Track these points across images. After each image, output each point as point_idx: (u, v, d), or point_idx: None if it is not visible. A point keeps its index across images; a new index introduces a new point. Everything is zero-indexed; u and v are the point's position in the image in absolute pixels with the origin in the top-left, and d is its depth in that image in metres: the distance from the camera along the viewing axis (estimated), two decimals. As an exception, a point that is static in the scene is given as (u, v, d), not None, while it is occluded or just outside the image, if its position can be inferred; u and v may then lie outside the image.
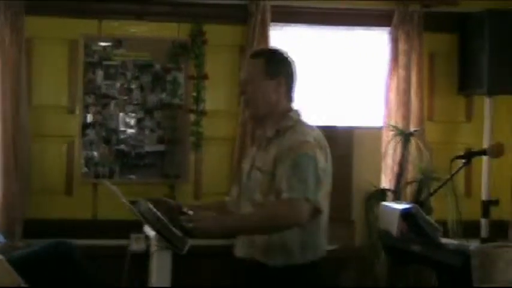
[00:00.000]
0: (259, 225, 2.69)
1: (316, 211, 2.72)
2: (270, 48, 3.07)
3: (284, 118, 2.86)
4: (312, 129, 2.85)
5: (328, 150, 2.85)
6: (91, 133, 4.87)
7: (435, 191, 3.85)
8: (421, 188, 4.78)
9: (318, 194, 2.71)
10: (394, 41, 5.08)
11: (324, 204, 2.80)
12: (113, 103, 4.90)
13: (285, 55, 2.94)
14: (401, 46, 5.06)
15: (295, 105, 2.93)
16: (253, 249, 2.81)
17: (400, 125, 5.01)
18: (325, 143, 2.85)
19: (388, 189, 4.94)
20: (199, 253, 4.21)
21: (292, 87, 2.93)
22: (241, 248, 2.89)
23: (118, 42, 4.90)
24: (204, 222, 2.70)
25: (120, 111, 4.90)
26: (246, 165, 2.98)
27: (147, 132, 4.93)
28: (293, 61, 2.95)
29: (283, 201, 2.67)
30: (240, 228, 2.75)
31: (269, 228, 2.70)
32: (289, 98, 2.91)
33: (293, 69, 2.94)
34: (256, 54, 2.96)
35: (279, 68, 2.88)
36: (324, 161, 2.78)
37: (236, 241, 2.93)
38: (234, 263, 2.95)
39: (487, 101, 4.97)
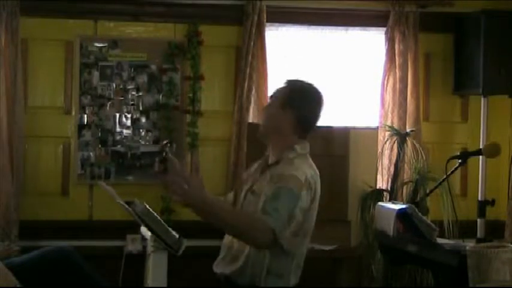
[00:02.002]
0: (230, 222, 2.71)
1: (275, 244, 2.74)
2: (303, 81, 3.07)
3: (288, 149, 2.91)
4: (309, 166, 2.89)
5: (318, 191, 2.88)
6: (87, 134, 4.86)
7: (431, 191, 3.86)
8: (417, 188, 4.79)
9: (285, 230, 2.74)
10: (390, 41, 5.09)
11: (295, 242, 2.83)
12: (108, 104, 4.89)
13: (310, 91, 2.99)
14: (397, 46, 5.07)
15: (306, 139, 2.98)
16: (231, 267, 2.87)
17: (396, 125, 5.01)
18: (316, 182, 2.88)
19: (384, 190, 4.94)
20: (197, 254, 4.21)
21: (310, 122, 2.97)
22: (220, 264, 2.96)
23: (114, 43, 4.89)
24: (193, 190, 2.62)
25: (116, 112, 4.90)
26: (246, 186, 3.02)
27: (143, 133, 4.93)
28: (320, 97, 2.99)
29: (256, 219, 2.72)
30: (215, 214, 2.69)
31: (233, 231, 2.77)
32: (301, 133, 2.95)
33: (315, 106, 2.97)
34: (288, 81, 3.03)
35: (296, 101, 2.92)
36: (308, 202, 2.83)
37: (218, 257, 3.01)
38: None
39: (482, 101, 4.97)
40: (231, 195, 3.19)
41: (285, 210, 2.73)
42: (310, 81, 3.04)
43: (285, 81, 3.04)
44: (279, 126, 2.93)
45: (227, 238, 3.01)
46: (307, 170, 2.85)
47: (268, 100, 3.09)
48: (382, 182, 5.00)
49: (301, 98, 2.94)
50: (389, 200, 4.72)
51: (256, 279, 2.84)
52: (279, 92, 2.99)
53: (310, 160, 2.96)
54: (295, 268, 2.90)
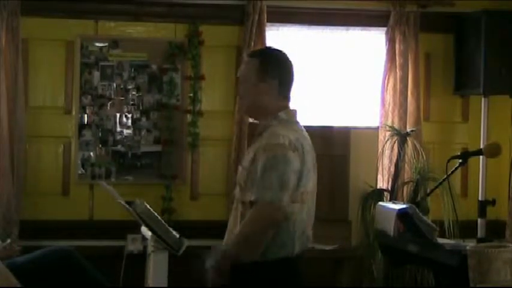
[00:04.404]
0: (247, 240, 2.77)
1: (282, 215, 2.76)
2: (267, 48, 3.15)
3: (272, 118, 2.90)
4: (293, 131, 2.87)
5: (307, 152, 2.86)
6: (87, 134, 4.86)
7: (432, 191, 3.86)
8: (418, 188, 4.79)
9: (282, 196, 2.75)
10: (391, 42, 5.09)
11: (296, 205, 2.82)
12: (109, 104, 4.89)
13: (280, 56, 2.96)
14: (398, 46, 5.07)
15: (291, 104, 2.96)
16: (226, 246, 2.87)
17: (396, 125, 5.01)
18: (304, 145, 2.86)
19: (385, 190, 4.94)
20: (196, 253, 4.21)
21: (288, 87, 2.95)
22: (224, 242, 2.95)
23: (114, 43, 4.89)
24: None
25: (117, 112, 4.90)
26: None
27: (143, 132, 4.93)
28: (289, 61, 2.97)
29: (253, 208, 2.76)
30: (238, 253, 2.78)
31: (254, 236, 2.77)
32: (283, 98, 2.94)
33: (289, 70, 2.95)
34: (252, 54, 3.03)
35: (272, 70, 2.90)
36: (298, 164, 2.80)
37: None
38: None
39: (483, 101, 4.97)
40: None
41: (275, 179, 2.74)
42: (268, 46, 3.07)
43: (244, 59, 3.03)
44: (260, 99, 2.90)
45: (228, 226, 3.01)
46: (290, 134, 2.83)
47: (239, 81, 3.01)
48: (383, 182, 5.00)
49: (274, 65, 2.92)
50: (390, 200, 4.72)
51: (261, 254, 2.80)
52: (247, 69, 2.94)
53: (298, 126, 2.93)
54: (299, 235, 2.87)
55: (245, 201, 2.84)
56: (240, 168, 2.94)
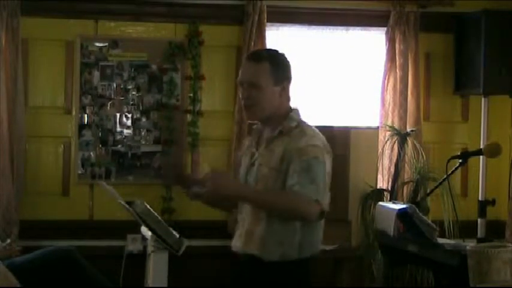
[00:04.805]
0: (273, 203, 2.77)
1: (322, 214, 2.82)
2: (270, 50, 3.09)
3: (286, 119, 2.93)
4: (317, 132, 2.93)
5: (331, 154, 2.93)
6: (87, 134, 4.86)
7: (431, 191, 3.86)
8: (418, 188, 4.79)
9: (326, 197, 2.81)
10: (391, 41, 5.09)
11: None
12: (109, 104, 4.90)
13: (285, 57, 2.98)
14: (398, 46, 5.07)
15: (292, 103, 2.99)
16: (250, 243, 2.87)
17: (396, 125, 5.01)
18: (329, 147, 2.93)
19: (385, 189, 4.94)
20: (196, 253, 4.22)
21: (289, 87, 2.99)
22: (237, 242, 2.95)
23: (114, 43, 4.89)
24: (223, 179, 2.75)
25: (117, 112, 4.90)
26: (245, 161, 3.02)
27: (143, 132, 4.93)
28: (288, 60, 3.00)
29: (298, 194, 2.74)
30: (255, 199, 2.80)
31: (281, 210, 2.79)
32: (288, 98, 2.98)
33: (289, 69, 2.99)
34: (259, 58, 2.94)
35: (283, 73, 2.93)
36: (329, 166, 2.88)
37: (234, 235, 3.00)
38: (232, 263, 2.98)
39: (483, 101, 4.97)
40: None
41: (320, 180, 2.78)
42: (268, 49, 3.05)
43: (249, 61, 2.96)
44: (275, 103, 2.92)
45: (239, 214, 2.99)
46: (318, 136, 2.90)
47: (244, 87, 2.93)
48: (383, 182, 5.00)
49: (284, 67, 2.94)
50: (390, 200, 4.72)
51: (287, 254, 2.84)
52: (258, 74, 2.89)
53: (308, 124, 2.98)
54: (322, 233, 2.95)
55: None
56: (263, 169, 2.89)
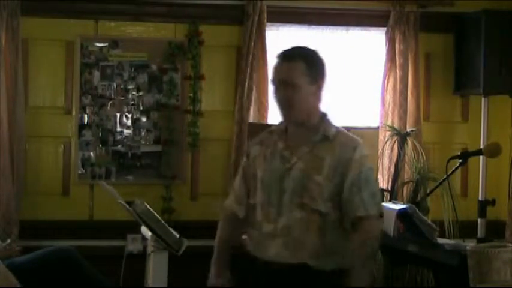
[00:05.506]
0: (370, 259, 2.79)
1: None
2: (304, 48, 2.91)
3: (323, 122, 2.88)
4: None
5: None
6: (87, 134, 4.86)
7: (432, 191, 3.86)
8: (418, 188, 4.79)
9: (381, 207, 2.84)
10: (391, 42, 5.09)
11: None
12: (109, 104, 4.89)
13: (320, 56, 2.89)
14: (398, 46, 5.07)
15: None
16: (301, 253, 2.76)
17: (396, 125, 5.01)
18: None
19: (385, 189, 4.94)
20: (196, 253, 4.21)
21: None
22: (282, 251, 2.79)
23: (114, 43, 4.89)
24: None
25: (117, 112, 4.90)
26: (269, 165, 2.86)
27: (143, 132, 4.93)
28: (324, 60, 2.91)
29: (367, 228, 2.75)
30: (367, 275, 2.77)
31: (373, 254, 2.83)
32: (320, 99, 2.91)
33: (325, 69, 2.90)
34: (292, 57, 2.83)
35: (319, 72, 2.85)
36: None
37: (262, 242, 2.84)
38: (256, 271, 2.87)
39: (483, 101, 4.97)
40: (240, 192, 2.99)
41: (376, 189, 2.84)
42: (300, 46, 2.91)
43: (282, 60, 2.83)
44: (312, 103, 2.86)
45: (279, 223, 2.80)
46: (360, 140, 2.89)
47: (274, 84, 2.84)
48: (383, 182, 5.00)
49: (320, 66, 2.86)
50: (390, 200, 4.71)
51: (340, 262, 2.79)
52: (294, 74, 2.79)
53: None
54: None
55: (321, 210, 2.77)
56: (311, 174, 2.77)
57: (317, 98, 2.87)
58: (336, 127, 2.90)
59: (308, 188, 2.77)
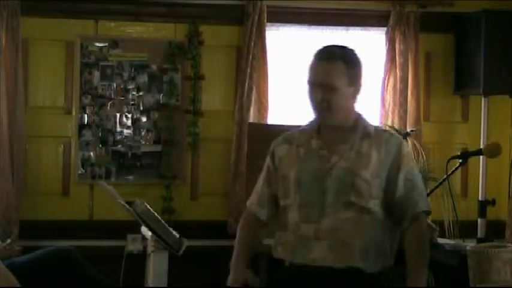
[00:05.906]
0: (428, 257, 2.79)
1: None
2: (343, 48, 2.81)
3: (361, 120, 2.86)
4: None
5: None
6: (87, 134, 4.86)
7: (432, 191, 3.85)
8: (418, 188, 4.78)
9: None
10: (391, 42, 5.09)
11: None
12: (109, 104, 4.90)
13: (358, 56, 2.82)
14: (398, 46, 5.07)
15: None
16: (348, 255, 2.70)
17: (396, 125, 5.01)
18: None
19: (385, 190, 4.94)
20: (196, 253, 4.22)
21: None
22: (326, 255, 2.70)
23: (114, 43, 4.89)
24: None
25: (117, 112, 4.90)
26: (305, 166, 2.79)
27: (143, 132, 4.93)
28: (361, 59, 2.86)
29: (421, 226, 2.77)
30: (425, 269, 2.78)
31: (429, 251, 2.81)
32: (356, 100, 2.85)
33: (362, 70, 2.84)
34: (331, 57, 2.74)
35: (357, 73, 2.77)
36: None
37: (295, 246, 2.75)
38: (296, 276, 2.77)
39: (483, 101, 4.97)
40: (261, 185, 2.91)
41: (423, 184, 2.84)
42: (339, 45, 2.82)
43: (320, 60, 2.74)
44: (349, 105, 2.80)
45: (323, 225, 2.72)
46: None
47: (310, 84, 2.75)
48: (383, 182, 5.00)
49: (358, 66, 2.78)
50: (390, 200, 4.71)
51: (385, 263, 2.81)
52: (334, 75, 2.70)
53: None
54: None
55: (369, 208, 2.73)
56: (360, 172, 2.72)
57: (354, 99, 2.81)
58: (373, 125, 2.90)
59: (355, 186, 2.71)
